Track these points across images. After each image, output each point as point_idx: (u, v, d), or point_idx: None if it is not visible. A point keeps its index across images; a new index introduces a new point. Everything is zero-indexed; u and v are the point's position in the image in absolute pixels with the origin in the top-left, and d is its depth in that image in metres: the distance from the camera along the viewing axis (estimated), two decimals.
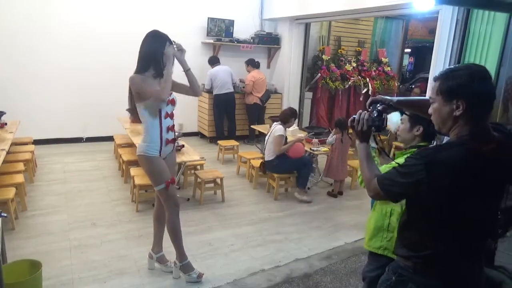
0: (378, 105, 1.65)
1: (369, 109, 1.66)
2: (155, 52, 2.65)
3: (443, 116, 1.37)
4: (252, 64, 7.24)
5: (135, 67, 2.72)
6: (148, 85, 2.64)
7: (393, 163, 1.79)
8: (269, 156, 4.73)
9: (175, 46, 2.72)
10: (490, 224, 1.45)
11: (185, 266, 3.01)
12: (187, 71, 2.81)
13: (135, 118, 2.88)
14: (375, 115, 1.62)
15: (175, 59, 2.73)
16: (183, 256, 3.02)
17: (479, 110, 1.33)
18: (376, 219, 2.16)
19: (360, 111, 1.65)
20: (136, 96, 2.70)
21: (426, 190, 1.31)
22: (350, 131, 5.19)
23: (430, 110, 1.42)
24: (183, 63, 2.77)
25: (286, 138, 4.75)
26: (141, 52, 2.70)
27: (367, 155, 1.60)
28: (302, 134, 5.20)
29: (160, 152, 2.80)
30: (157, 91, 2.62)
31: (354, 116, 1.67)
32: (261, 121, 7.34)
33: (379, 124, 1.63)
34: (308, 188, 5.19)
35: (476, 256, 1.44)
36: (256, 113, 7.38)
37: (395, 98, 1.69)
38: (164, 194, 2.85)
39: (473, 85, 1.30)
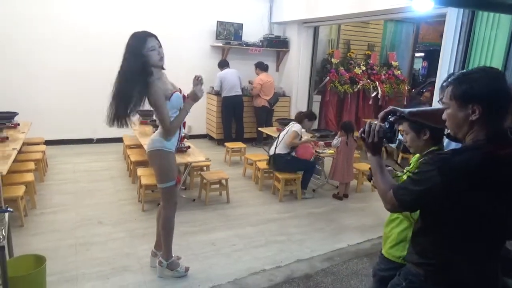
0: (390, 116, 1.61)
1: (381, 121, 1.62)
2: (141, 55, 2.63)
3: (458, 121, 1.34)
4: (261, 67, 7.29)
5: (128, 75, 2.66)
6: (166, 112, 2.68)
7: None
8: (282, 150, 4.81)
9: (198, 78, 2.80)
10: (506, 231, 1.41)
11: (171, 263, 3.05)
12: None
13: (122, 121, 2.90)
14: (386, 126, 1.58)
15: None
16: (170, 254, 3.06)
17: (495, 113, 1.30)
18: (401, 230, 2.09)
19: (369, 121, 1.61)
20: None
21: (441, 196, 1.29)
22: (356, 133, 5.20)
23: (444, 116, 1.39)
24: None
25: (300, 138, 4.86)
26: (126, 58, 2.67)
27: (381, 167, 1.54)
28: (308, 136, 5.23)
29: (175, 148, 2.87)
30: (168, 128, 2.70)
31: (363, 128, 1.62)
32: (269, 124, 7.38)
33: (391, 136, 1.57)
34: (314, 190, 5.21)
35: (491, 263, 1.40)
36: (264, 115, 7.43)
37: (406, 110, 1.66)
38: (171, 191, 2.89)
39: (489, 88, 1.27)
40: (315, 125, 8.18)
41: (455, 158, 1.29)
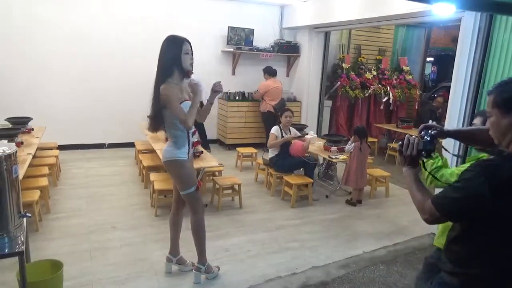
0: (431, 130, 1.62)
1: (421, 134, 1.63)
2: (175, 55, 2.71)
3: (502, 129, 1.33)
4: (269, 72, 7.21)
5: (157, 75, 2.75)
6: (178, 105, 2.68)
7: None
8: (270, 153, 5.19)
9: (216, 85, 2.86)
10: None
11: (208, 267, 3.10)
12: (210, 104, 2.94)
13: (155, 126, 2.89)
14: (427, 139, 1.58)
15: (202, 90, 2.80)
16: (205, 258, 3.08)
17: None
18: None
19: (408, 135, 1.62)
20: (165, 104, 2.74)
21: (488, 205, 1.24)
22: (370, 139, 5.17)
23: (488, 125, 1.39)
24: (212, 98, 2.90)
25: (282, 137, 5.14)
26: (161, 58, 2.74)
27: (416, 179, 1.54)
28: (298, 133, 5.34)
29: (187, 156, 2.88)
30: (185, 118, 2.67)
31: (401, 141, 1.64)
32: None
33: (431, 149, 1.57)
34: (327, 196, 5.17)
35: None
36: (271, 120, 7.20)
37: (445, 128, 1.70)
38: (194, 196, 2.92)
39: None
40: (325, 130, 8.20)
41: (502, 165, 1.26)
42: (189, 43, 2.78)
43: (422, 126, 1.67)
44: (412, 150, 1.56)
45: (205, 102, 2.93)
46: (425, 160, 1.68)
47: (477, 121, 2.12)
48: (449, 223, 2.03)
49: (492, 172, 1.25)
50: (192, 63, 2.80)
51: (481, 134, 1.41)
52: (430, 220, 1.42)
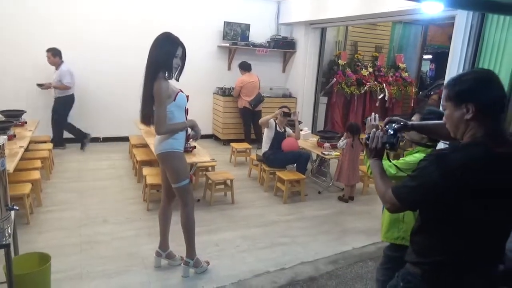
0: (395, 124, 1.68)
1: (385, 127, 1.69)
2: (168, 54, 2.67)
3: (455, 121, 1.39)
4: (244, 67, 7.12)
5: (148, 69, 2.71)
6: (164, 110, 2.69)
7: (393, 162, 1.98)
8: (264, 148, 5.21)
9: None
10: (505, 234, 1.41)
11: (196, 261, 3.11)
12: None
13: (149, 119, 2.85)
14: (390, 133, 1.65)
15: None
16: (194, 252, 3.10)
17: (490, 112, 1.33)
18: (388, 214, 2.25)
19: (374, 129, 1.69)
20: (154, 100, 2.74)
21: (441, 192, 1.29)
22: (362, 135, 5.17)
23: (444, 119, 1.45)
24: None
25: (284, 132, 5.24)
26: (152, 52, 2.69)
27: (381, 170, 1.61)
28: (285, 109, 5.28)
29: (183, 148, 2.92)
30: (161, 127, 2.70)
31: (368, 134, 1.71)
32: (256, 125, 7.01)
33: (394, 142, 1.64)
34: (319, 193, 5.19)
35: (488, 267, 1.40)
36: (249, 117, 7.17)
37: (409, 122, 1.77)
38: (187, 189, 2.93)
39: (480, 88, 1.32)
40: (320, 126, 8.22)
41: (455, 154, 1.32)
42: (184, 48, 2.74)
43: (387, 119, 1.74)
44: (377, 143, 1.64)
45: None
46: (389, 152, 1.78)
47: (415, 118, 2.20)
48: (395, 217, 2.22)
49: (444, 161, 1.31)
50: (178, 68, 2.75)
51: (445, 128, 1.46)
52: (392, 210, 1.48)
